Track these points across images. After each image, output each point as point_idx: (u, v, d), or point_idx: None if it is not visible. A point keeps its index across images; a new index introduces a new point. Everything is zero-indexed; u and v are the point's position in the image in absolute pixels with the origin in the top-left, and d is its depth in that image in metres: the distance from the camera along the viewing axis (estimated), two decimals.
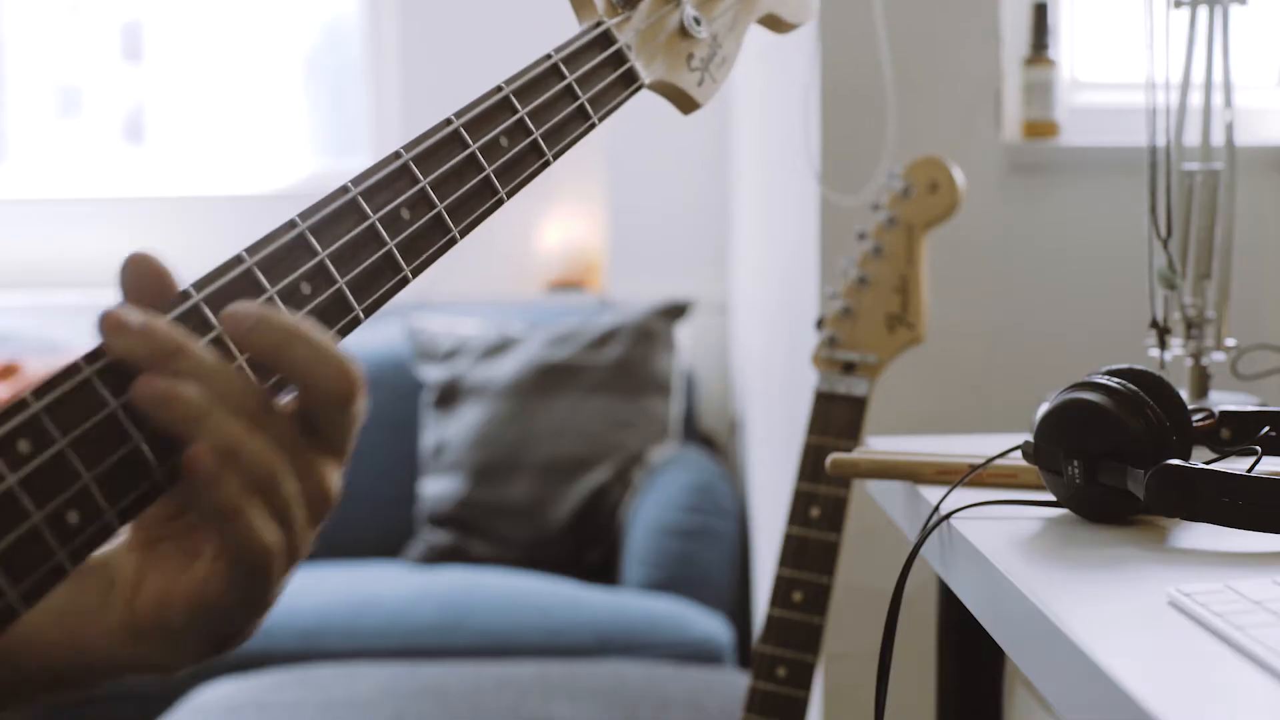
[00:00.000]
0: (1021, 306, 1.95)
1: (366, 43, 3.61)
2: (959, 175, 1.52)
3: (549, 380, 2.98)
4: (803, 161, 1.98)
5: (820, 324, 1.55)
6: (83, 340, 3.27)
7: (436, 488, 2.95)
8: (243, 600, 0.61)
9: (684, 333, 3.15)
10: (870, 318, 1.51)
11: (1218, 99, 1.39)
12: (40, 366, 2.99)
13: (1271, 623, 0.68)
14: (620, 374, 2.98)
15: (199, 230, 3.52)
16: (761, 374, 2.79)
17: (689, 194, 3.42)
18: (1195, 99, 1.39)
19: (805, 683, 1.50)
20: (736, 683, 2.22)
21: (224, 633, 0.63)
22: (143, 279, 0.61)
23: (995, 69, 1.93)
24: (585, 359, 3.00)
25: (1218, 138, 1.39)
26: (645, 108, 1.01)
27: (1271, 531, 0.85)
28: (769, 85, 2.49)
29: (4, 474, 0.55)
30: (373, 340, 3.10)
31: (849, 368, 1.52)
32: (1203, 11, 1.38)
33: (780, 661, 1.50)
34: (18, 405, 0.57)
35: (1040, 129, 1.95)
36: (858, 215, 1.72)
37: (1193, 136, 1.39)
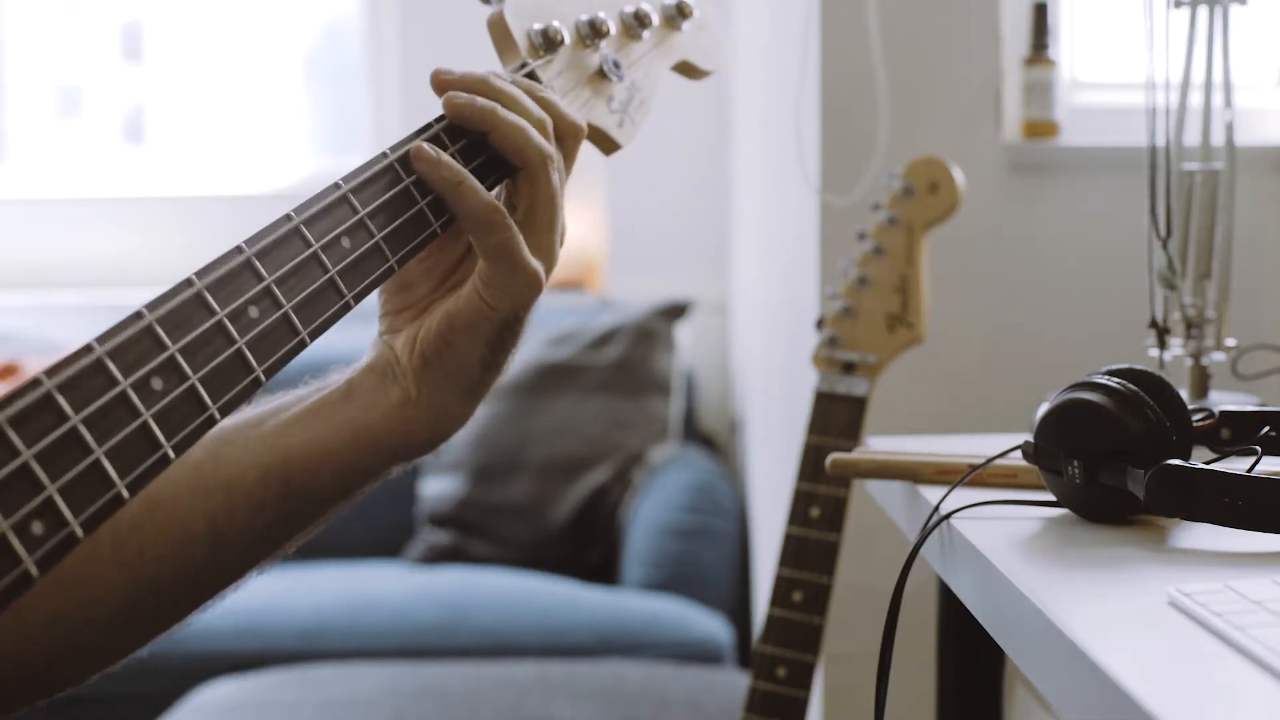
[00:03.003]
0: (1021, 306, 1.95)
1: (366, 43, 3.60)
2: (959, 175, 1.52)
3: (549, 380, 2.98)
4: (800, 163, 1.97)
5: (820, 324, 1.55)
6: (83, 340, 3.26)
7: (436, 488, 2.95)
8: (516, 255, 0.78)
9: (684, 333, 3.15)
10: (870, 318, 1.51)
11: (1218, 99, 1.39)
12: (40, 366, 2.99)
13: (1271, 623, 0.68)
14: (620, 374, 2.98)
15: (199, 230, 3.51)
16: (761, 374, 2.79)
17: (689, 194, 3.42)
18: (1195, 99, 1.39)
19: (805, 683, 1.50)
20: (736, 683, 2.21)
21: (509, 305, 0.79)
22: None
23: (995, 69, 1.93)
24: (585, 359, 3.00)
25: (1218, 138, 1.39)
26: None
27: (1271, 531, 0.85)
28: (768, 85, 2.49)
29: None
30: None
31: (849, 368, 1.52)
32: (1203, 11, 1.38)
33: (780, 661, 1.50)
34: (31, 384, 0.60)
35: (1040, 129, 1.95)
36: (858, 215, 1.72)
37: (1193, 136, 1.39)
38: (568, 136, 0.82)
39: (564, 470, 2.90)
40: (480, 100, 0.79)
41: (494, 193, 0.79)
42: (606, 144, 0.91)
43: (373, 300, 0.81)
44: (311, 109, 3.81)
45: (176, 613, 0.81)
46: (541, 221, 0.80)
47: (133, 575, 0.77)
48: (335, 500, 0.81)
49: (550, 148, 0.79)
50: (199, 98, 3.74)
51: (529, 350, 3.02)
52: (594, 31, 0.88)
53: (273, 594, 2.61)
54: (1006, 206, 1.94)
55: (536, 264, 0.79)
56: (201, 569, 0.79)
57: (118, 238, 3.55)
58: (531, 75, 0.85)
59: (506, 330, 0.81)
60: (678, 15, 0.94)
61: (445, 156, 0.77)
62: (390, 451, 0.80)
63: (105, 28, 3.76)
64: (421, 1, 3.48)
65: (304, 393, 0.82)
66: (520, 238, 0.78)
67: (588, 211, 3.47)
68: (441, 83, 0.80)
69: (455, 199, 0.77)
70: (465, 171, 0.77)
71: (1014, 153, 1.94)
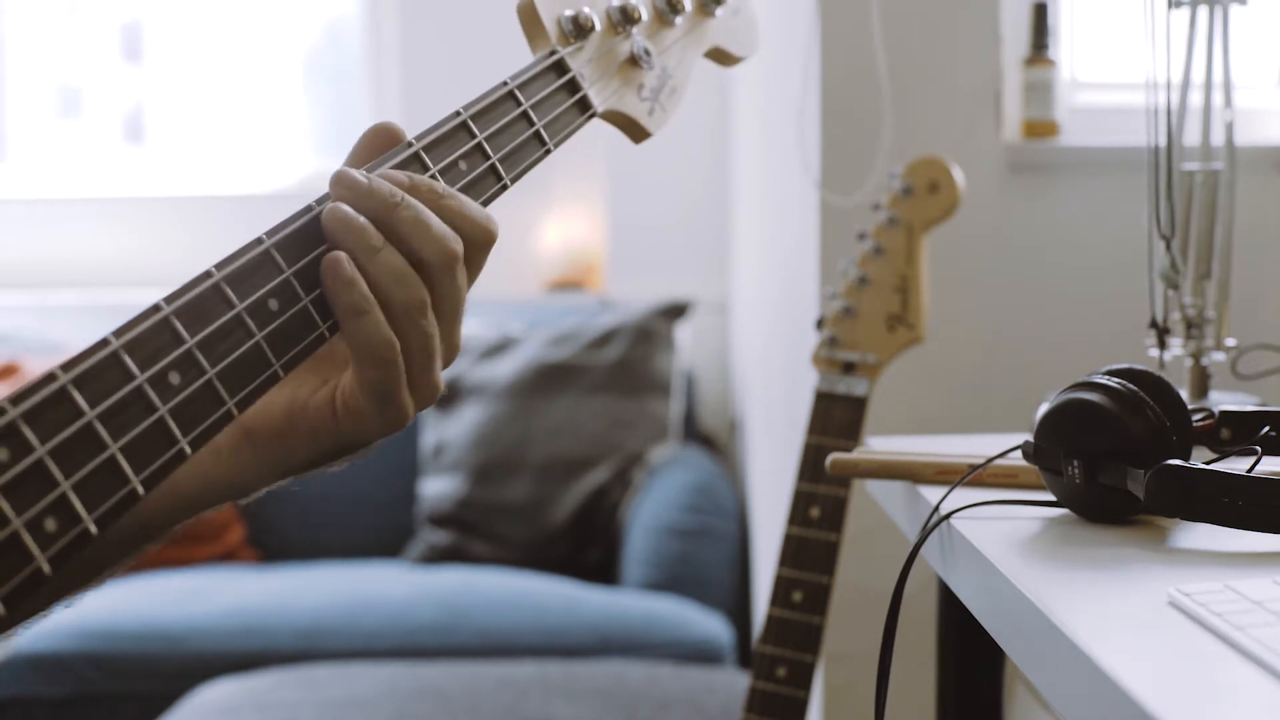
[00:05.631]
0: (1021, 306, 1.95)
1: (366, 43, 3.60)
2: (959, 175, 1.52)
3: (549, 380, 2.98)
4: (801, 163, 1.97)
5: (820, 324, 1.55)
6: (83, 340, 3.27)
7: (436, 488, 2.95)
8: (378, 407, 0.72)
9: (684, 333, 3.15)
10: (870, 318, 1.51)
11: (1218, 99, 1.39)
12: (40, 366, 2.99)
13: (1271, 623, 0.68)
14: (620, 374, 2.98)
15: (199, 230, 3.51)
16: (761, 374, 2.79)
17: (689, 194, 3.42)
18: (1195, 99, 1.39)
19: (805, 683, 1.50)
20: (736, 683, 2.21)
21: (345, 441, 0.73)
22: (378, 142, 0.75)
23: (995, 69, 1.93)
24: (585, 359, 3.00)
25: (1218, 138, 1.39)
26: None
27: (1271, 531, 0.85)
28: (769, 85, 2.49)
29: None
30: None
31: (849, 368, 1.52)
32: (1203, 11, 1.38)
33: (780, 661, 1.50)
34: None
35: (1040, 129, 1.95)
36: (858, 215, 1.72)
37: (1193, 136, 1.39)
38: (475, 248, 0.74)
39: (564, 470, 2.90)
40: (356, 295, 0.70)
41: None
42: (637, 132, 0.89)
43: None
44: (311, 109, 3.81)
45: None
46: (417, 363, 0.72)
47: None
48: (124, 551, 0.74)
49: (426, 327, 0.71)
50: (199, 98, 3.74)
51: (529, 350, 3.02)
52: (626, 18, 0.85)
53: (273, 594, 2.61)
54: (1006, 206, 1.94)
55: (411, 402, 0.72)
56: None
57: (118, 238, 3.55)
58: (560, 63, 0.83)
59: (351, 453, 0.74)
60: (711, 1, 0.92)
61: (360, 281, 0.69)
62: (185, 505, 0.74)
63: (105, 28, 3.76)
64: (421, 1, 3.48)
65: None
66: (405, 378, 0.71)
67: (588, 211, 3.47)
68: (343, 193, 0.71)
69: (354, 327, 0.69)
70: (374, 303, 0.70)
71: (1014, 153, 1.94)
